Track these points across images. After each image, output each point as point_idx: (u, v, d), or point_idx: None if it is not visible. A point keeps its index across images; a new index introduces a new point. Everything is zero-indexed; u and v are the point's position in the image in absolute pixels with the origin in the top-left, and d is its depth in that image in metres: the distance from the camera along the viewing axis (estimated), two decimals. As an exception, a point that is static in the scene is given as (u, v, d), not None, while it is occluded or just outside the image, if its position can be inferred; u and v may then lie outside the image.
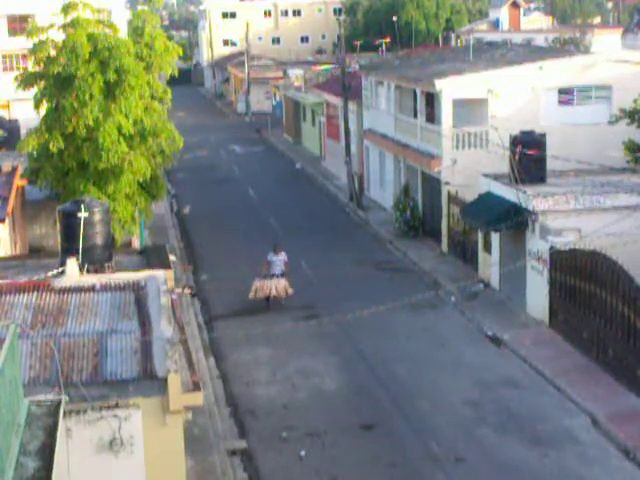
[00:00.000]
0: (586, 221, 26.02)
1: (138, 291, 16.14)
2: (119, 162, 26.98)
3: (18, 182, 27.93)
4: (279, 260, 28.93)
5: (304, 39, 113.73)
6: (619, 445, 19.38)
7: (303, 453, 19.63)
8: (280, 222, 41.08)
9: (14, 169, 27.94)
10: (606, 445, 19.55)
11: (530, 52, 40.77)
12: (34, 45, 28.17)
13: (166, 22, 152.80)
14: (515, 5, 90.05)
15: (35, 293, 15.93)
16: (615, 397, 21.56)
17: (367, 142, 45.25)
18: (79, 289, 16.15)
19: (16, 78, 28.76)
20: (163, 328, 14.63)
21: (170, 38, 36.05)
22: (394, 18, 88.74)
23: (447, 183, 34.07)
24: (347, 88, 44.40)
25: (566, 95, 34.69)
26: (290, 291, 28.66)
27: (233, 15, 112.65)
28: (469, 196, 31.36)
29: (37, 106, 28.48)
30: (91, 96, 27.15)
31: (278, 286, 28.49)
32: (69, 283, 16.37)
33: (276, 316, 27.82)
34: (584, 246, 24.69)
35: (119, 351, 14.14)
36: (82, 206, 18.30)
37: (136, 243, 32.20)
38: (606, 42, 66.46)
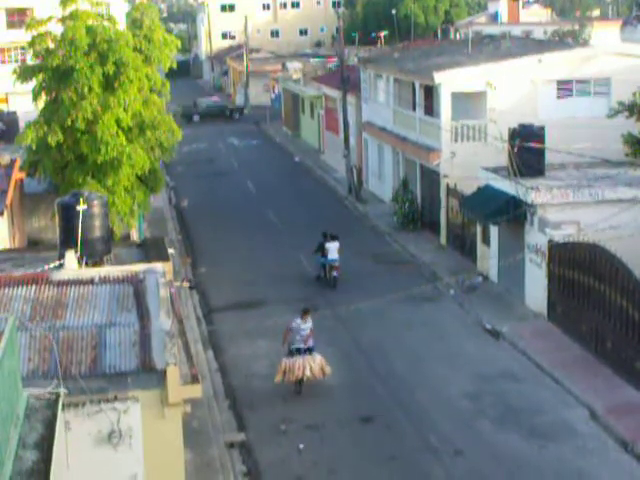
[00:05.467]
0: (585, 214, 26.02)
1: (137, 284, 16.11)
2: (118, 155, 26.94)
3: (17, 175, 27.91)
4: (304, 329, 22.63)
5: (303, 32, 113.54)
6: (617, 437, 19.40)
7: (302, 446, 19.65)
8: (278, 215, 41.06)
9: (13, 162, 27.90)
10: (604, 437, 19.58)
11: (529, 45, 40.70)
12: (33, 38, 28.12)
13: (165, 15, 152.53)
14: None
15: (34, 286, 15.90)
16: (613, 389, 21.58)
17: (366, 135, 45.22)
18: (78, 282, 16.12)
19: (15, 71, 28.70)
20: (162, 321, 14.62)
21: (169, 31, 36.00)
22: (393, 11, 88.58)
23: (446, 176, 34.07)
24: (346, 81, 44.37)
25: (565, 88, 34.65)
26: (328, 370, 22.47)
27: (232, 8, 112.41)
28: (468, 189, 31.34)
29: (36, 99, 28.44)
30: (90, 89, 27.10)
31: (313, 365, 22.24)
32: (68, 276, 16.34)
33: (275, 309, 27.83)
34: (583, 239, 24.71)
35: (118, 344, 14.13)
36: (81, 199, 18.29)
37: (135, 236, 32.18)
38: (605, 35, 66.28)
